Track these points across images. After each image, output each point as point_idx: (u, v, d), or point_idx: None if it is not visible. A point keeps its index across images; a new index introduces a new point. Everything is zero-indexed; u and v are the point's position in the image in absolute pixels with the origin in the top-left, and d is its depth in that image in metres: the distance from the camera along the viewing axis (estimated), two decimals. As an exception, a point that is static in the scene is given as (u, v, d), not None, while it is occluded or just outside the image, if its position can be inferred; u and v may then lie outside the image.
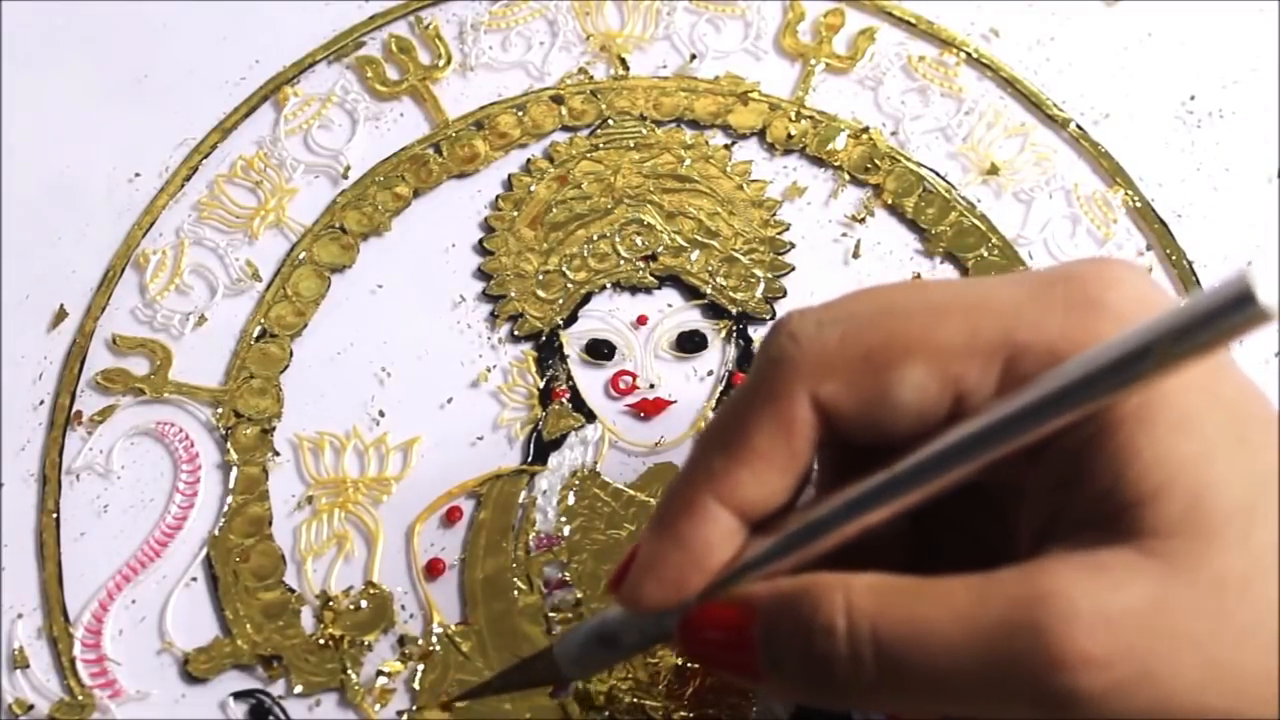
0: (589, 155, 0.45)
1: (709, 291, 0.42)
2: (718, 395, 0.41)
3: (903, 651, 0.23)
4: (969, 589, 0.23)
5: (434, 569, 0.38)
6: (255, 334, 0.42)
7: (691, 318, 0.42)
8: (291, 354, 0.42)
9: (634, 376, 0.41)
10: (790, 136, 0.46)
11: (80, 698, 0.36)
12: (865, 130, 0.46)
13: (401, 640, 0.37)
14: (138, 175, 0.46)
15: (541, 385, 0.41)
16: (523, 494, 0.39)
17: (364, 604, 0.37)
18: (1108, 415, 0.23)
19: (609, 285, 0.43)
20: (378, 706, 0.36)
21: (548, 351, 0.42)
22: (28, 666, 0.37)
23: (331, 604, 0.37)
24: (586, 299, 0.42)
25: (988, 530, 0.26)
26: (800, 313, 0.26)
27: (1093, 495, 0.23)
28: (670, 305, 0.42)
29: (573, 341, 0.42)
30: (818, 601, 0.24)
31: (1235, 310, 0.19)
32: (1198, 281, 0.43)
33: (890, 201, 0.44)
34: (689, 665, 0.36)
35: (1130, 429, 0.23)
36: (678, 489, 0.26)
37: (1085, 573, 0.22)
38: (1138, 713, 0.21)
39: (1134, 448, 0.22)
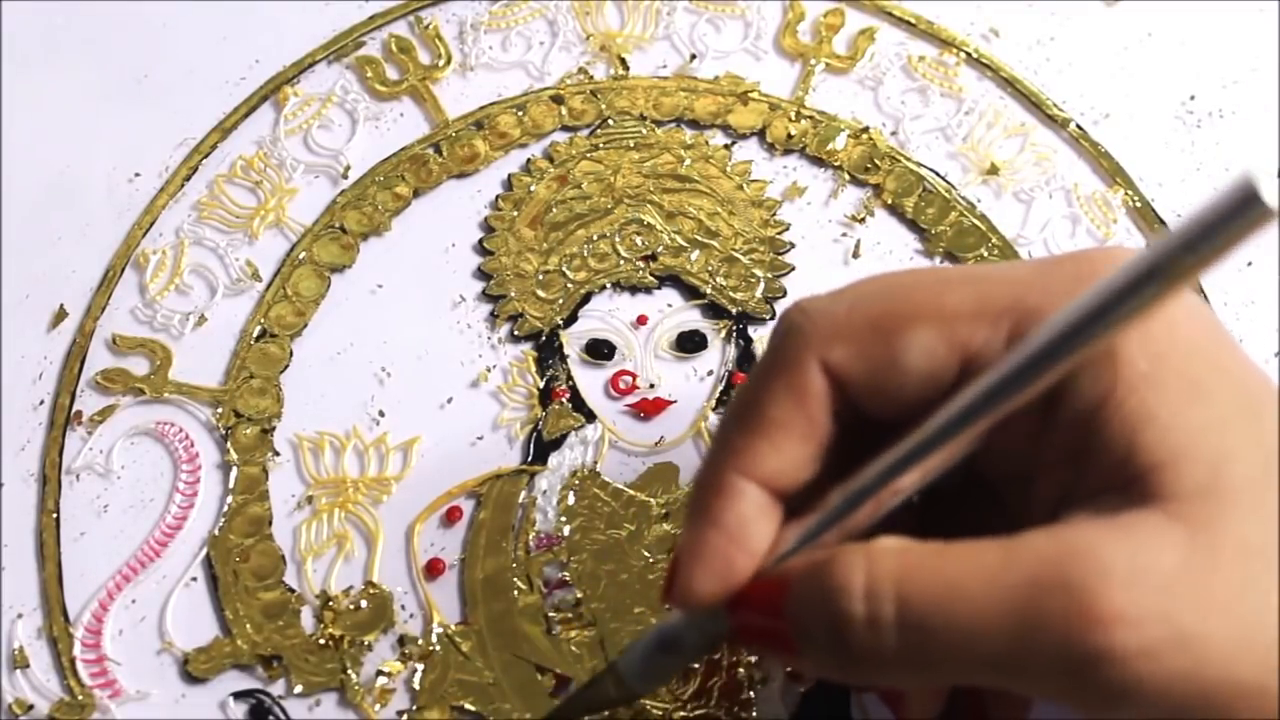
0: (589, 155, 0.45)
1: (709, 291, 0.42)
2: (718, 395, 0.41)
3: (926, 612, 0.22)
4: (996, 548, 0.23)
5: (434, 569, 0.38)
6: (255, 334, 0.42)
7: (691, 318, 0.42)
8: (291, 354, 0.42)
9: (634, 376, 0.41)
10: (790, 136, 0.46)
11: (80, 698, 0.36)
12: (865, 130, 0.46)
13: (401, 640, 0.37)
14: (138, 175, 0.46)
15: (541, 385, 0.41)
16: (523, 494, 0.39)
17: (364, 604, 0.37)
18: (1118, 382, 0.23)
19: (609, 285, 0.43)
20: (378, 706, 0.36)
21: (548, 351, 0.42)
22: (28, 666, 0.37)
23: (331, 604, 0.37)
24: (586, 299, 0.42)
25: (993, 524, 0.27)
26: (810, 296, 0.26)
27: (1109, 463, 0.23)
28: (670, 305, 0.42)
29: (573, 341, 0.42)
30: (836, 564, 0.24)
31: (1241, 213, 0.19)
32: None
33: (890, 201, 0.44)
34: (690, 665, 0.36)
35: (1143, 395, 0.23)
36: (704, 472, 0.26)
37: (1113, 532, 0.22)
38: (1168, 681, 0.21)
39: (1149, 413, 0.23)
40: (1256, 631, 0.21)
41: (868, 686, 0.35)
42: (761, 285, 0.43)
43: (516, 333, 0.42)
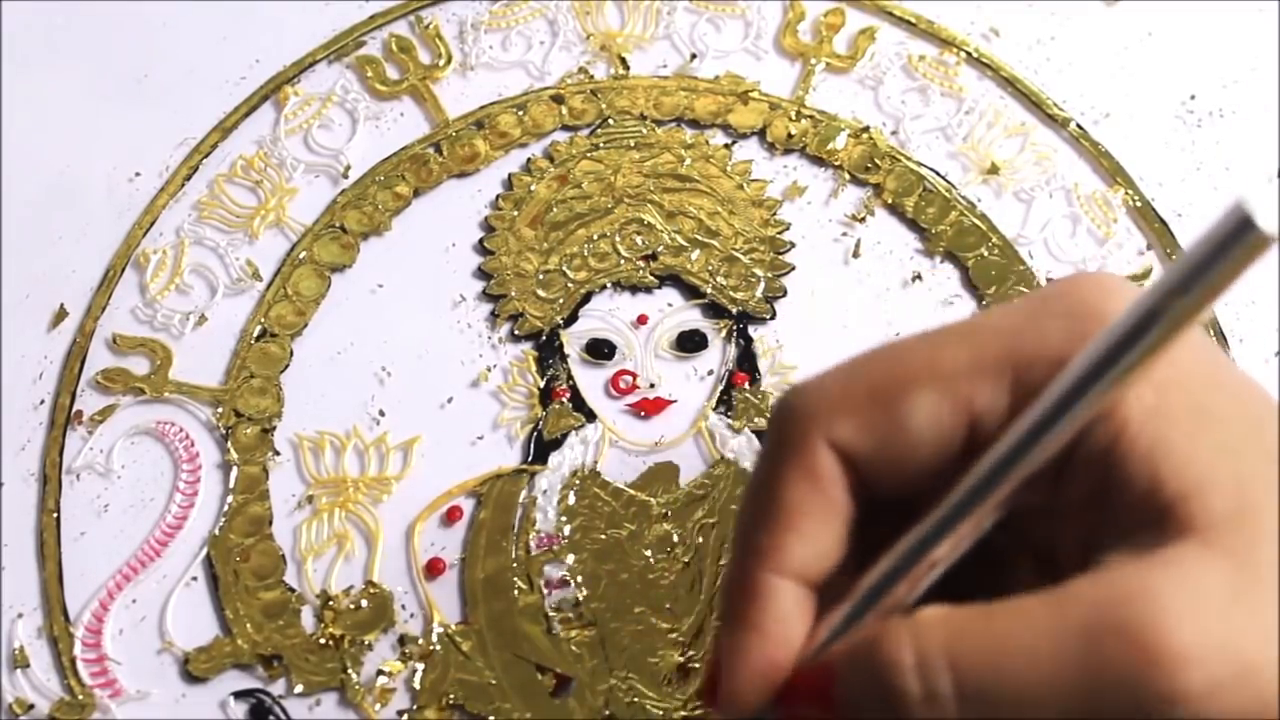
0: (589, 155, 0.45)
1: (709, 291, 0.42)
2: (718, 395, 0.41)
3: (983, 677, 0.22)
4: (1043, 603, 0.22)
5: (434, 568, 0.38)
6: (255, 333, 0.42)
7: (691, 317, 0.42)
8: (291, 353, 0.42)
9: (634, 376, 0.41)
10: (790, 136, 0.46)
11: (80, 697, 0.36)
12: (865, 130, 0.46)
13: (401, 640, 0.37)
14: (138, 175, 0.46)
15: (541, 385, 0.41)
16: (523, 494, 0.39)
17: (364, 603, 0.37)
18: (1126, 413, 0.23)
19: (609, 285, 0.43)
20: (378, 706, 0.36)
21: (548, 351, 0.42)
22: (28, 666, 0.37)
23: (331, 603, 0.37)
24: (586, 298, 0.42)
25: (1018, 560, 0.26)
26: (801, 380, 0.26)
27: (1133, 499, 0.23)
28: (670, 305, 0.42)
29: (573, 341, 0.42)
30: (882, 640, 0.23)
31: (1235, 242, 0.18)
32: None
33: (890, 201, 0.44)
34: (689, 665, 0.36)
35: (1157, 426, 0.22)
36: (735, 577, 0.25)
37: (1157, 569, 0.21)
38: (1235, 713, 0.21)
39: (1165, 444, 0.22)
40: None
41: None
42: (761, 285, 0.43)
43: (516, 332, 0.42)
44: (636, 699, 0.36)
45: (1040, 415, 0.22)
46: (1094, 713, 0.21)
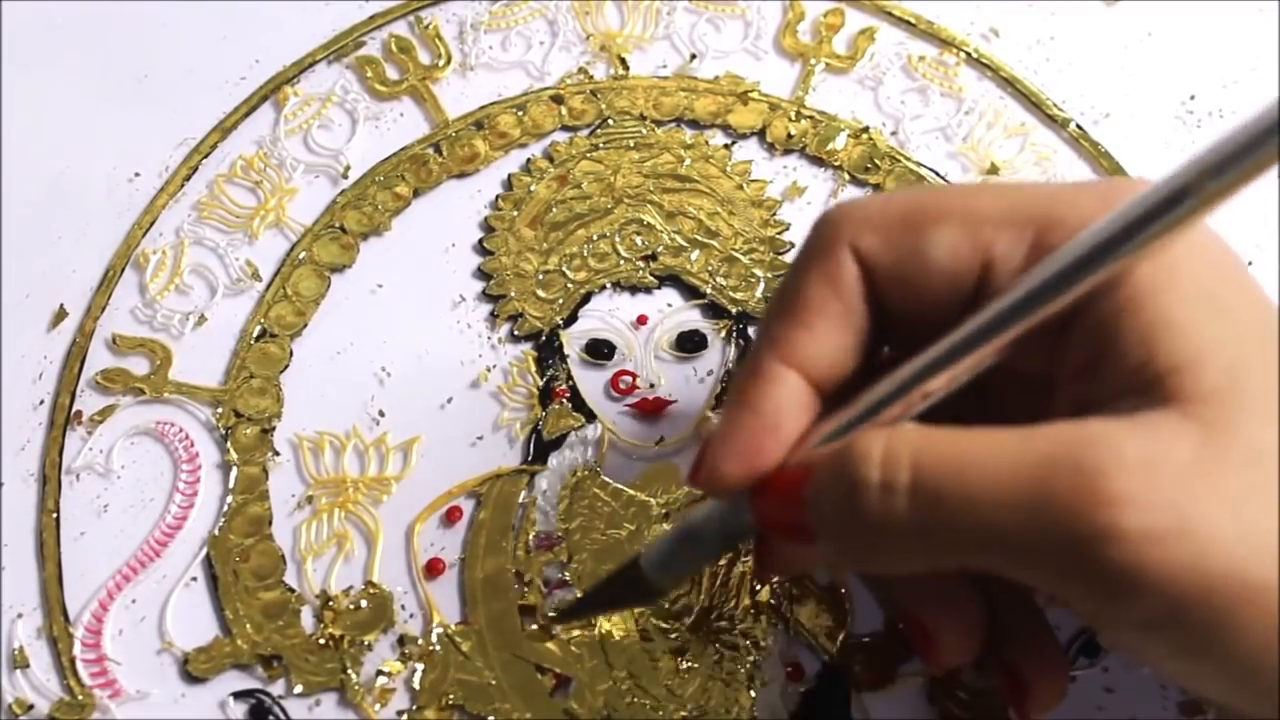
0: (589, 155, 0.45)
1: (709, 291, 0.42)
2: (717, 395, 0.41)
3: (940, 480, 0.23)
4: (1015, 433, 0.23)
5: (434, 569, 0.38)
6: (255, 334, 0.42)
7: (691, 318, 0.42)
8: (291, 354, 0.42)
9: (634, 376, 0.41)
10: (790, 136, 0.46)
11: (80, 697, 0.36)
12: (865, 130, 0.46)
13: (401, 640, 0.37)
14: (138, 175, 0.46)
15: (541, 385, 0.41)
16: (523, 494, 0.39)
17: (364, 604, 0.37)
18: (1136, 288, 0.24)
19: (609, 285, 0.43)
20: (378, 706, 0.36)
21: (548, 351, 0.42)
22: (28, 666, 0.37)
23: (331, 604, 0.37)
24: (586, 299, 0.42)
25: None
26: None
27: (1128, 367, 0.24)
28: (670, 305, 0.42)
29: (573, 341, 0.42)
30: (857, 438, 0.24)
31: (1270, 135, 0.20)
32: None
33: (890, 201, 0.44)
34: (690, 665, 0.36)
35: (1163, 301, 0.23)
36: (747, 360, 0.27)
37: (1129, 426, 0.22)
38: (1170, 569, 0.21)
39: (1168, 318, 0.23)
40: (1263, 530, 0.22)
41: (879, 584, 0.33)
42: (761, 285, 0.43)
43: (516, 333, 0.42)
44: (636, 699, 0.36)
45: (1058, 269, 0.23)
46: (1032, 539, 0.22)
